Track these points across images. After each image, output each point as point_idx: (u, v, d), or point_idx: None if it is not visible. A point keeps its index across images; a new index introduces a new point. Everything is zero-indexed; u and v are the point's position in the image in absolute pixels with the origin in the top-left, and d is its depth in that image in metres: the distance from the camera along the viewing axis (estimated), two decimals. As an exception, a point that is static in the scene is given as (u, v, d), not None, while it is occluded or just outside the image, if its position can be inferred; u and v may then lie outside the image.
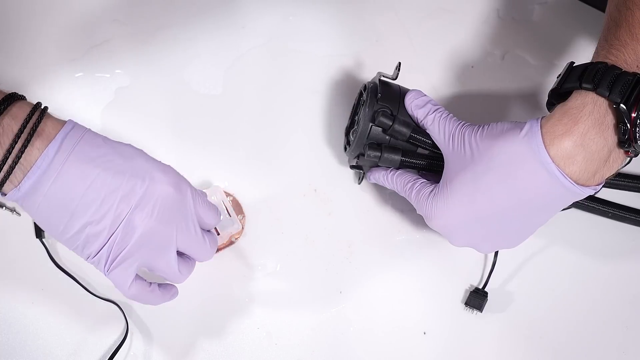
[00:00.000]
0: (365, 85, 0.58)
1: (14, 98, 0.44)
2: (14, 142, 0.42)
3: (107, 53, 0.65)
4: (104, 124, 0.63)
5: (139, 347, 0.57)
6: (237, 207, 0.61)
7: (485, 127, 0.50)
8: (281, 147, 0.64)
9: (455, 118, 0.53)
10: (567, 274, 0.62)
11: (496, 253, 0.60)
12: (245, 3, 0.68)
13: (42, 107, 0.45)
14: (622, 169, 0.48)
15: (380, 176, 0.57)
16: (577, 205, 0.61)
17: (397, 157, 0.55)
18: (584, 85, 0.45)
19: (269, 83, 0.66)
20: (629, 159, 0.47)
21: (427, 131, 0.54)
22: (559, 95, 0.48)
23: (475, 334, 0.60)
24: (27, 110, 0.44)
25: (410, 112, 0.55)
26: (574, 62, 0.48)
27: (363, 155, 0.56)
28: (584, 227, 0.63)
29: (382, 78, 0.57)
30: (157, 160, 0.48)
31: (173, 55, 0.66)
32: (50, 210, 0.44)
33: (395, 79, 0.56)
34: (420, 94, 0.55)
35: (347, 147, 0.60)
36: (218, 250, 0.60)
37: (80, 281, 0.57)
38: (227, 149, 0.63)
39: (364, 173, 0.60)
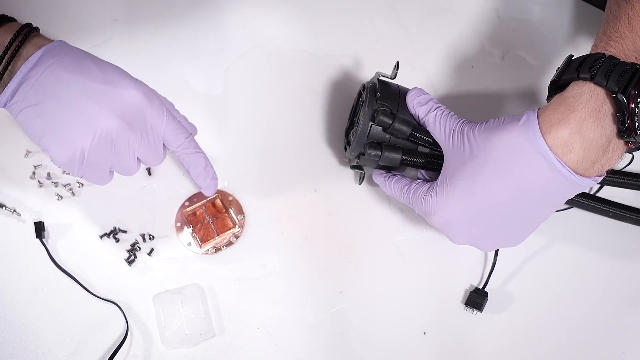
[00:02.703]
0: (364, 85, 0.58)
1: (6, 19, 0.50)
2: (7, 49, 0.47)
3: (107, 53, 0.65)
4: (104, 124, 0.63)
5: (139, 347, 0.57)
6: (237, 207, 0.61)
7: (484, 122, 0.50)
8: (281, 147, 0.64)
9: (456, 116, 0.53)
10: (567, 273, 0.62)
11: (496, 253, 0.60)
12: (245, 3, 0.68)
13: (33, 27, 0.50)
14: (624, 168, 0.48)
15: (381, 182, 0.57)
16: (577, 204, 0.61)
17: (398, 156, 0.55)
18: (582, 75, 0.45)
19: (268, 83, 0.66)
20: (632, 156, 0.47)
21: (428, 129, 0.54)
22: (557, 88, 0.48)
23: (475, 334, 0.60)
24: (17, 28, 0.49)
25: (411, 110, 0.55)
26: (573, 55, 0.48)
27: (363, 154, 0.56)
28: (585, 226, 0.63)
29: (381, 78, 0.57)
30: (132, 76, 0.50)
31: (173, 56, 0.66)
32: (31, 114, 0.47)
33: (394, 78, 0.56)
34: (422, 92, 0.55)
35: (347, 147, 0.60)
36: (218, 250, 0.60)
37: (80, 281, 0.57)
38: (227, 148, 0.63)
39: (364, 173, 0.60)
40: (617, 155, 0.46)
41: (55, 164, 0.49)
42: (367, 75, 0.67)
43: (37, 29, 0.50)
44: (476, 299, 0.60)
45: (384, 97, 0.55)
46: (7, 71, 0.47)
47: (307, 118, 0.65)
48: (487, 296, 0.60)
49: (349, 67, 0.67)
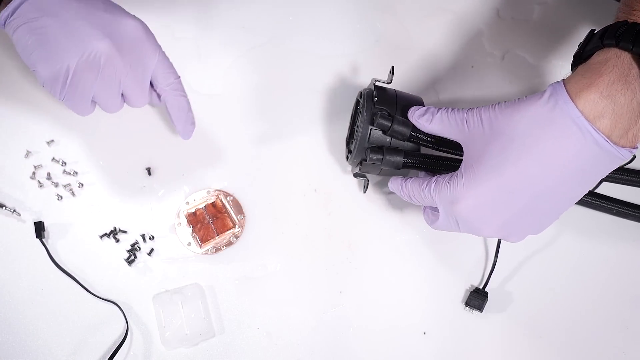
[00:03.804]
0: (361, 93, 0.59)
1: None
2: None
3: (107, 53, 0.65)
4: (103, 124, 0.63)
5: (139, 347, 0.57)
6: (237, 207, 0.61)
7: (503, 102, 0.48)
8: (281, 146, 0.64)
9: (460, 108, 0.51)
10: (567, 272, 0.62)
11: (497, 252, 0.60)
12: (245, 3, 0.68)
13: None
14: (628, 166, 0.47)
15: (397, 187, 0.56)
16: (580, 201, 0.61)
17: (400, 159, 0.55)
18: (606, 41, 0.44)
19: (268, 83, 0.66)
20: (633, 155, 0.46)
21: (439, 134, 0.53)
22: (581, 61, 0.47)
23: (475, 334, 0.60)
24: None
25: (417, 125, 0.54)
26: (595, 30, 0.47)
27: (365, 160, 0.56)
28: (586, 225, 0.63)
29: (377, 83, 0.57)
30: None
31: (173, 55, 0.65)
32: (26, 31, 0.48)
33: (390, 83, 0.56)
34: (418, 107, 0.54)
35: (349, 155, 0.60)
36: (218, 250, 0.60)
37: (80, 281, 0.57)
38: (227, 148, 0.63)
39: (368, 180, 0.60)
40: None
41: (39, 82, 0.49)
42: (367, 75, 0.67)
43: None
44: (476, 299, 0.60)
45: (381, 101, 0.55)
46: None
47: (307, 118, 0.65)
48: (487, 296, 0.60)
49: (349, 67, 0.67)
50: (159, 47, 0.52)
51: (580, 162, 0.45)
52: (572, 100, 0.44)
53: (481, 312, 0.60)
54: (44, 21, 0.48)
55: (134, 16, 0.51)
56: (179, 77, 0.54)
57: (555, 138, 0.44)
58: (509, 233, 0.50)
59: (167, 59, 0.52)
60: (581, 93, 0.44)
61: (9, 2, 0.49)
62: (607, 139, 0.43)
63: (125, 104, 0.54)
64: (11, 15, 0.48)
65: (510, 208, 0.47)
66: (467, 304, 0.60)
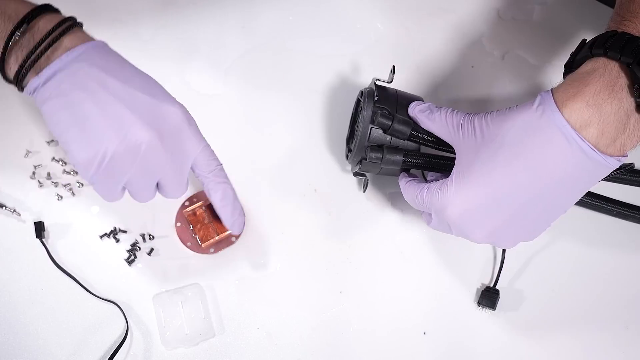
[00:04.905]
0: (362, 92, 0.59)
1: (53, 9, 0.48)
2: (47, 35, 0.45)
3: (107, 53, 0.65)
4: (104, 124, 0.63)
5: (139, 347, 0.57)
6: (237, 207, 0.61)
7: (495, 110, 0.48)
8: (281, 146, 0.64)
9: (460, 111, 0.52)
10: (567, 273, 0.62)
11: (504, 250, 0.60)
12: (244, 3, 0.68)
13: (77, 21, 0.48)
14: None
15: (401, 186, 0.56)
16: (580, 202, 0.61)
17: (399, 158, 0.55)
18: (595, 51, 0.45)
19: (268, 83, 0.66)
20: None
21: (436, 133, 0.53)
22: (572, 70, 0.48)
23: (474, 333, 0.60)
24: (61, 18, 0.47)
25: (415, 119, 0.54)
26: (586, 39, 0.48)
27: (365, 159, 0.56)
28: (585, 226, 0.63)
29: (378, 82, 0.57)
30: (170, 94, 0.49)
31: (173, 55, 0.66)
32: (60, 105, 0.45)
33: (391, 82, 0.56)
34: (420, 102, 0.55)
35: (349, 154, 0.60)
36: (218, 250, 0.60)
37: (80, 281, 0.57)
38: (227, 148, 0.63)
39: (367, 180, 0.60)
40: (639, 132, 0.45)
41: (71, 161, 0.46)
42: (366, 76, 0.67)
43: (80, 24, 0.48)
44: (488, 297, 0.59)
45: (381, 100, 0.55)
46: (45, 57, 0.45)
47: (307, 118, 0.65)
48: (498, 294, 0.59)
49: (349, 68, 0.67)
50: (201, 134, 0.49)
51: (568, 170, 0.45)
52: (559, 109, 0.44)
53: (494, 310, 0.59)
54: (81, 98, 0.45)
55: (175, 100, 0.48)
56: (221, 164, 0.51)
57: (543, 146, 0.45)
58: (500, 239, 0.50)
59: (209, 146, 0.50)
60: (567, 102, 0.44)
61: (41, 69, 0.45)
62: (593, 148, 0.44)
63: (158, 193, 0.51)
64: (43, 85, 0.45)
65: (500, 214, 0.48)
66: (479, 303, 0.59)
